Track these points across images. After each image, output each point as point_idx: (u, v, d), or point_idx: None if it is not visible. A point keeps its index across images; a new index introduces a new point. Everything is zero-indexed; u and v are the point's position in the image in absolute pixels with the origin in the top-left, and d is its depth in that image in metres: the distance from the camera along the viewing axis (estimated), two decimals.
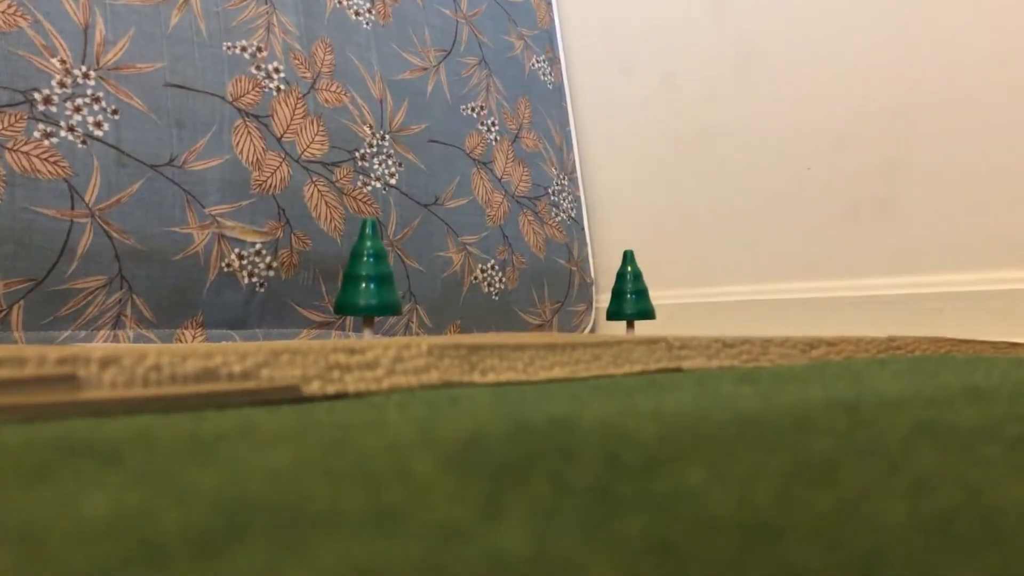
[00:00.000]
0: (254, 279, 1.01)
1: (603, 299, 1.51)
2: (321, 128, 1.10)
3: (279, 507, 0.16)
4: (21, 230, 0.84)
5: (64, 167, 0.87)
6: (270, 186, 1.03)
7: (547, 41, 1.54)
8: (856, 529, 0.16)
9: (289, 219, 1.04)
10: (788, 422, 0.26)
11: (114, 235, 0.90)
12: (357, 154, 1.14)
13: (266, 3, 1.08)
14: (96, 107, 0.90)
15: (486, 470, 0.20)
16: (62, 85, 0.88)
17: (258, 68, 1.05)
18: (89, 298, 0.89)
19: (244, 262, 1.00)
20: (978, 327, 1.06)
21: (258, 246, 1.01)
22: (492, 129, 1.35)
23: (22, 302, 0.84)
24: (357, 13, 1.19)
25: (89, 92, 0.90)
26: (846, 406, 0.30)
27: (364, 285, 0.61)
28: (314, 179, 1.08)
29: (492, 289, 1.30)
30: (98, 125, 0.90)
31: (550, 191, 1.45)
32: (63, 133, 0.88)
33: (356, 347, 0.40)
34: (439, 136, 1.26)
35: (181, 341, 0.95)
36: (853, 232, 1.25)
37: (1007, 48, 1.13)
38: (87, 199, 0.88)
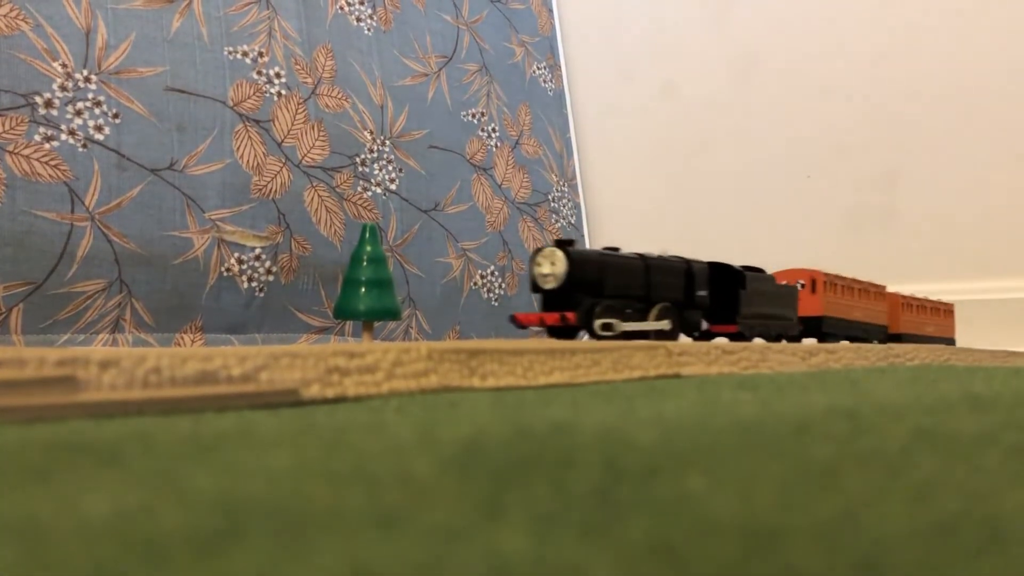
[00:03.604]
0: (254, 283, 1.01)
1: None
2: (322, 133, 1.10)
3: (278, 508, 0.16)
4: (21, 233, 0.84)
5: (64, 170, 0.87)
6: (270, 191, 1.03)
7: (548, 48, 1.54)
8: (857, 535, 0.16)
9: (289, 224, 1.04)
10: (788, 428, 0.26)
11: (114, 239, 0.90)
12: (357, 159, 1.14)
13: (268, 8, 1.08)
14: (97, 111, 0.90)
15: (486, 473, 0.20)
16: (63, 89, 0.88)
17: (259, 73, 1.05)
18: (88, 302, 0.88)
19: (244, 267, 1.00)
20: (978, 335, 1.06)
21: (258, 251, 1.01)
22: (492, 135, 1.35)
23: (21, 305, 0.84)
24: (359, 19, 1.20)
25: (90, 96, 0.90)
26: (846, 413, 0.30)
27: (364, 290, 0.61)
28: (314, 184, 1.08)
29: (492, 295, 1.30)
30: (99, 129, 0.90)
31: (550, 197, 1.45)
32: (64, 136, 0.88)
33: (356, 351, 0.40)
34: (440, 142, 1.26)
35: (180, 346, 0.95)
36: (853, 240, 1.25)
37: (1008, 57, 1.13)
38: (87, 203, 0.88)
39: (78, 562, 0.13)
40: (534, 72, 1.49)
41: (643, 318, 0.66)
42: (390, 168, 1.18)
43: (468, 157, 1.30)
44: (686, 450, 0.23)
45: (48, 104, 0.87)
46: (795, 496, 0.18)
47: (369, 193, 1.15)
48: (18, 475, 0.19)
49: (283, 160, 1.05)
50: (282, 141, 1.06)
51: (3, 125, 0.84)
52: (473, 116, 1.33)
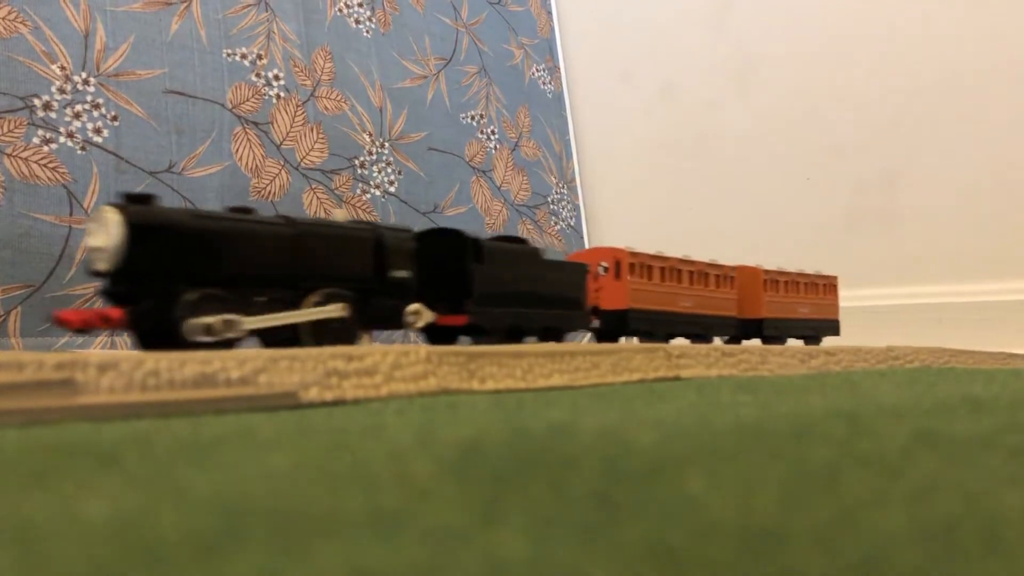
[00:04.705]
0: None
1: None
2: (321, 135, 1.10)
3: (278, 511, 0.16)
4: (19, 236, 0.84)
5: (63, 173, 0.87)
6: (269, 193, 1.03)
7: (547, 50, 1.54)
8: (856, 537, 0.16)
9: None
10: (788, 430, 0.26)
11: None
12: (356, 162, 1.14)
13: (267, 11, 1.08)
14: (96, 113, 0.90)
15: (485, 476, 0.20)
16: (62, 91, 0.88)
17: (258, 75, 1.05)
18: (87, 304, 0.88)
19: None
20: (977, 337, 1.06)
21: None
22: (492, 137, 1.35)
23: (19, 308, 0.84)
24: (357, 21, 1.20)
25: (89, 98, 0.90)
26: (845, 415, 0.30)
27: None
28: (313, 186, 1.08)
29: None
30: (97, 131, 0.90)
31: (549, 199, 1.45)
32: (62, 139, 0.88)
33: (354, 354, 0.40)
34: (439, 144, 1.26)
35: None
36: (852, 242, 1.25)
37: (1006, 60, 1.13)
38: (86, 205, 0.88)
39: (77, 565, 0.13)
40: (533, 74, 1.49)
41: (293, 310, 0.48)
42: (389, 170, 1.18)
43: (467, 159, 1.30)
44: (686, 452, 0.22)
45: (47, 106, 0.87)
46: (795, 498, 0.18)
47: (368, 195, 1.14)
48: (16, 478, 0.19)
49: (282, 162, 1.05)
50: (281, 143, 1.06)
51: (2, 128, 0.84)
52: (472, 118, 1.33)
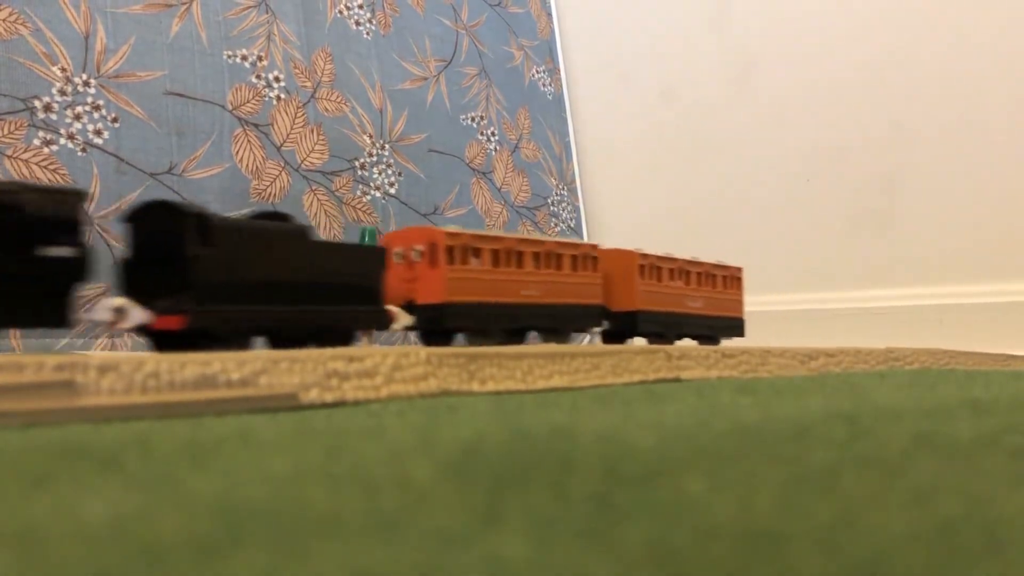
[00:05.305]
0: None
1: None
2: (321, 137, 1.10)
3: (278, 513, 0.16)
4: None
5: (63, 175, 0.87)
6: (270, 195, 1.03)
7: (547, 52, 1.54)
8: (856, 538, 0.16)
9: None
10: (788, 432, 0.26)
11: (113, 243, 0.90)
12: (357, 163, 1.14)
13: (267, 12, 1.08)
14: (96, 115, 0.90)
15: (485, 478, 0.20)
16: (62, 93, 0.88)
17: (258, 77, 1.05)
18: (87, 306, 0.88)
19: None
20: (977, 339, 1.06)
21: None
22: (492, 139, 1.35)
23: None
24: (358, 23, 1.20)
25: (89, 100, 0.90)
26: (845, 417, 0.30)
27: None
28: (314, 188, 1.08)
29: None
30: (98, 133, 0.90)
31: (549, 201, 1.45)
32: (63, 141, 0.88)
33: (355, 355, 0.40)
34: (439, 146, 1.26)
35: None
36: (852, 243, 1.25)
37: (1006, 60, 1.13)
38: (86, 207, 0.88)
39: (77, 567, 0.13)
40: (533, 76, 1.49)
41: None
42: (389, 172, 1.18)
43: (467, 161, 1.30)
44: (685, 454, 0.22)
45: (47, 108, 0.87)
46: (795, 500, 0.18)
47: (368, 197, 1.15)
48: (17, 480, 0.19)
49: (282, 164, 1.05)
50: (281, 145, 1.06)
51: (2, 129, 0.84)
52: (472, 120, 1.33)
